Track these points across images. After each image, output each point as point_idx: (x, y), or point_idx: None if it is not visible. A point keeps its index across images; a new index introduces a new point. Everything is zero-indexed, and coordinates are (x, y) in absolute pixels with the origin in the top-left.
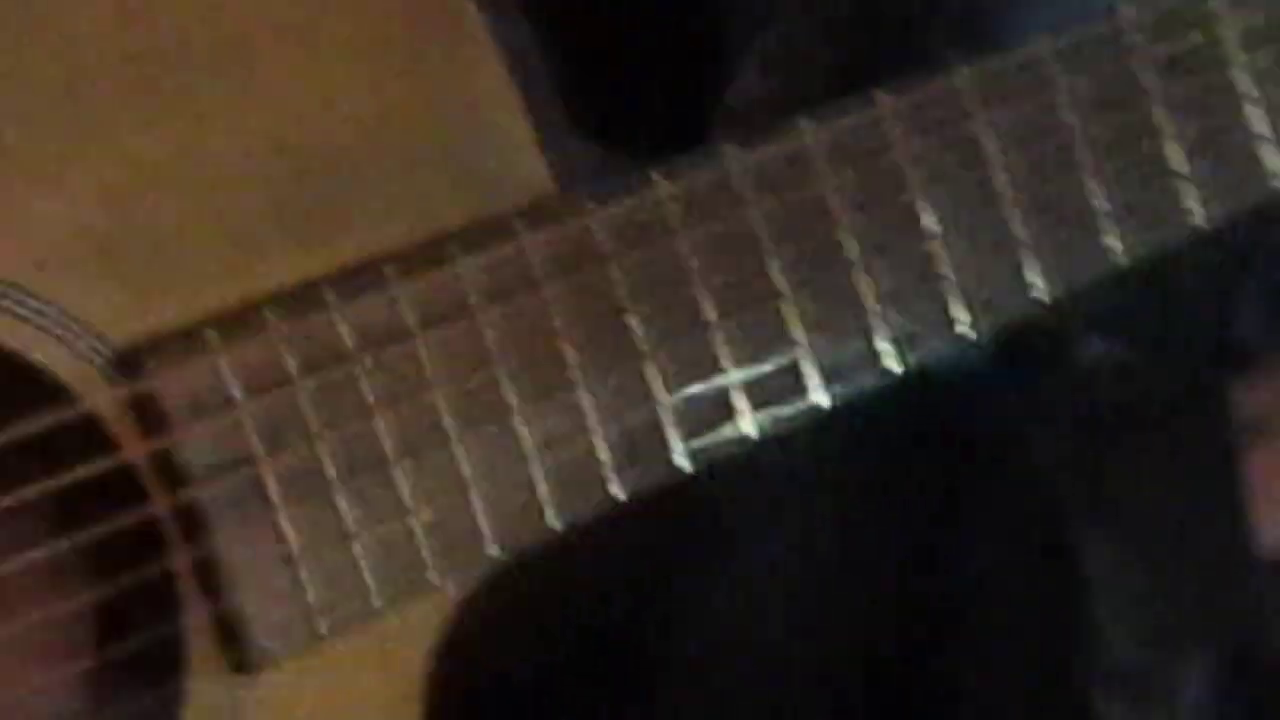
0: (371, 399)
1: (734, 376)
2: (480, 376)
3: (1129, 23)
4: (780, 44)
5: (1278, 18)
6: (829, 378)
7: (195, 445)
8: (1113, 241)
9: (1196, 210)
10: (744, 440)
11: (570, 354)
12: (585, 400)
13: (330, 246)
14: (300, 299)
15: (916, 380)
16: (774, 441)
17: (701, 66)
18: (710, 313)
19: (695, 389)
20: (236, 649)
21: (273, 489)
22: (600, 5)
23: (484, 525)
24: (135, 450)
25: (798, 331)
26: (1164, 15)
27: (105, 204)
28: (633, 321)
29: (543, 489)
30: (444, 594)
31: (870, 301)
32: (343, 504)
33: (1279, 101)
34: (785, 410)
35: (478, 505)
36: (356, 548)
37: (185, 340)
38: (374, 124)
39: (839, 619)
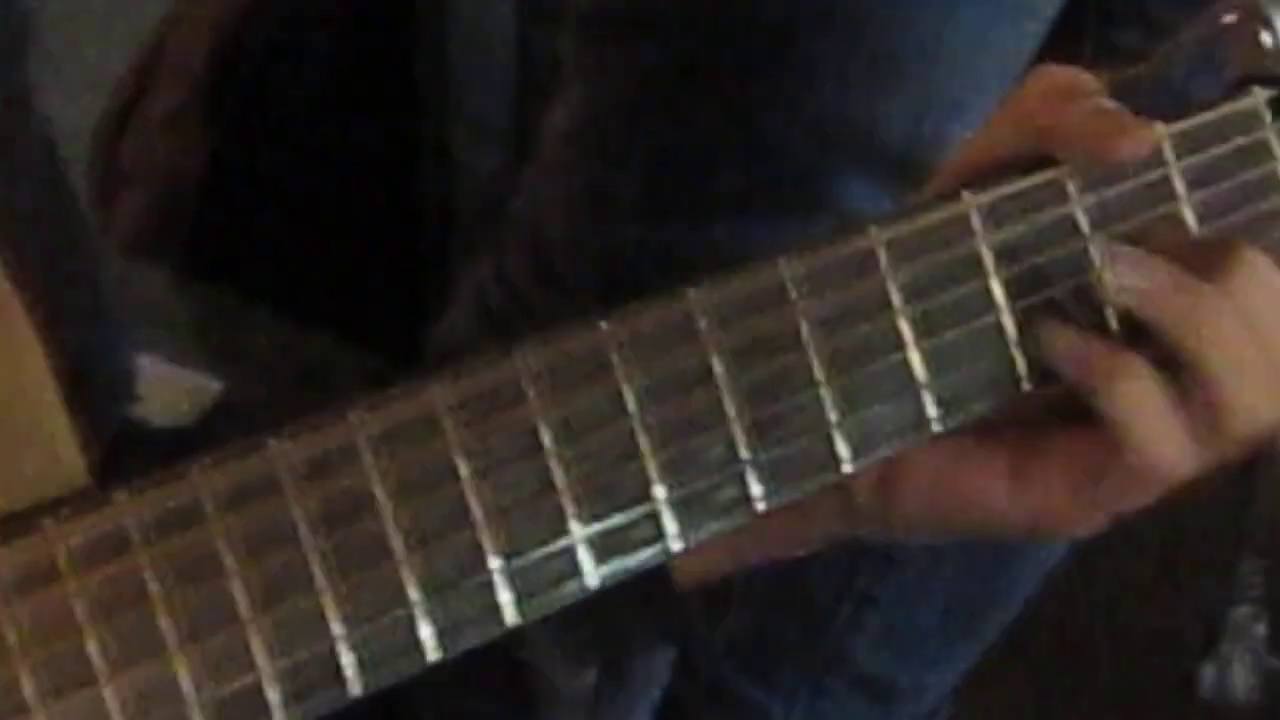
0: None
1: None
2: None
3: (699, 307)
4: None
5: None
6: (366, 666)
7: None
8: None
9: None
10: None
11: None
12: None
13: None
14: None
15: None
16: None
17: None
18: (246, 610)
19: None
20: None
21: None
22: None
23: None
24: None
25: (336, 624)
26: (737, 302)
27: None
28: (94, 647)
29: None
30: None
31: (414, 593)
32: None
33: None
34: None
35: None
36: None
37: None
38: None
39: None
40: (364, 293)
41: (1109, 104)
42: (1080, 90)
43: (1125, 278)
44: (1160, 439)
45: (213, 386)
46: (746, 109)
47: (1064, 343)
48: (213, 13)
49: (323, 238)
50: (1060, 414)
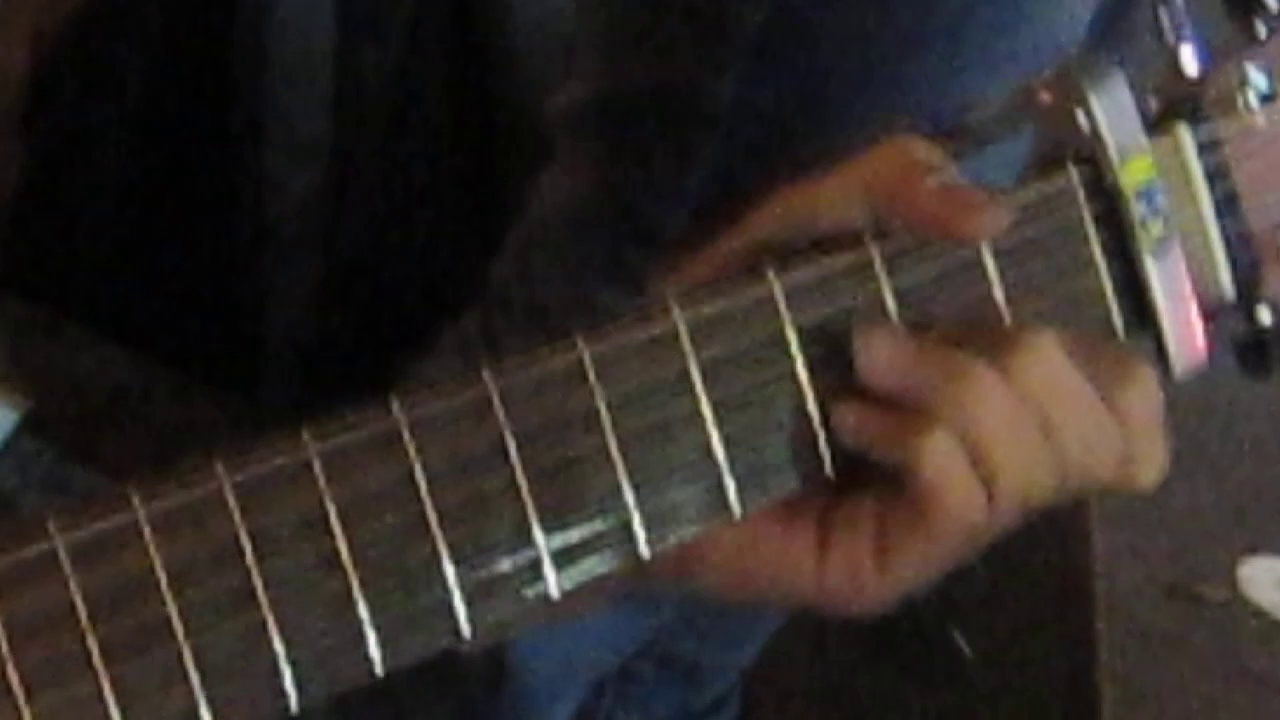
0: None
1: None
2: None
3: (496, 388)
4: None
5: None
6: None
7: None
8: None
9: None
10: None
11: None
12: None
13: None
14: None
15: None
16: None
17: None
18: None
19: None
20: None
21: None
22: None
23: None
24: None
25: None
26: (534, 383)
27: None
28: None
29: None
30: None
31: (195, 675)
32: None
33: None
34: None
35: None
36: None
37: None
38: None
39: None
40: (179, 310)
41: (958, 182)
42: (929, 165)
43: (875, 355)
44: (964, 504)
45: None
46: None
47: (861, 421)
48: (32, 20)
49: (137, 254)
50: (863, 481)
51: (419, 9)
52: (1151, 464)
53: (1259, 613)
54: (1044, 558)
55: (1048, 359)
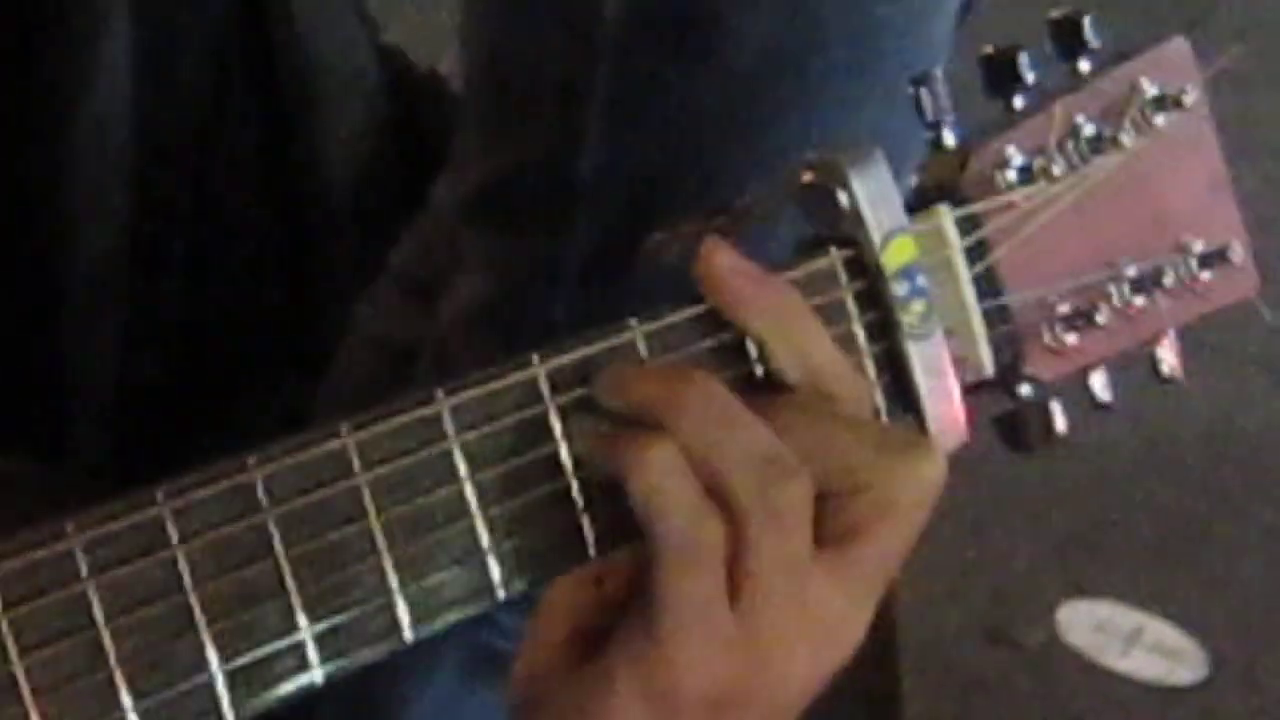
0: None
1: None
2: None
3: (260, 476)
4: None
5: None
6: None
7: None
8: None
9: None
10: None
11: None
12: None
13: None
14: None
15: None
16: None
17: None
18: None
19: None
20: None
21: None
22: None
23: None
24: None
25: None
26: (298, 471)
27: None
28: None
29: None
30: None
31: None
32: None
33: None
34: None
35: None
36: None
37: None
38: None
39: None
40: None
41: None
42: None
43: (611, 374)
44: (686, 520)
45: None
46: None
47: (591, 435)
48: None
49: None
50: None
51: (221, 72)
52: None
53: (1077, 655)
54: None
55: (716, 412)
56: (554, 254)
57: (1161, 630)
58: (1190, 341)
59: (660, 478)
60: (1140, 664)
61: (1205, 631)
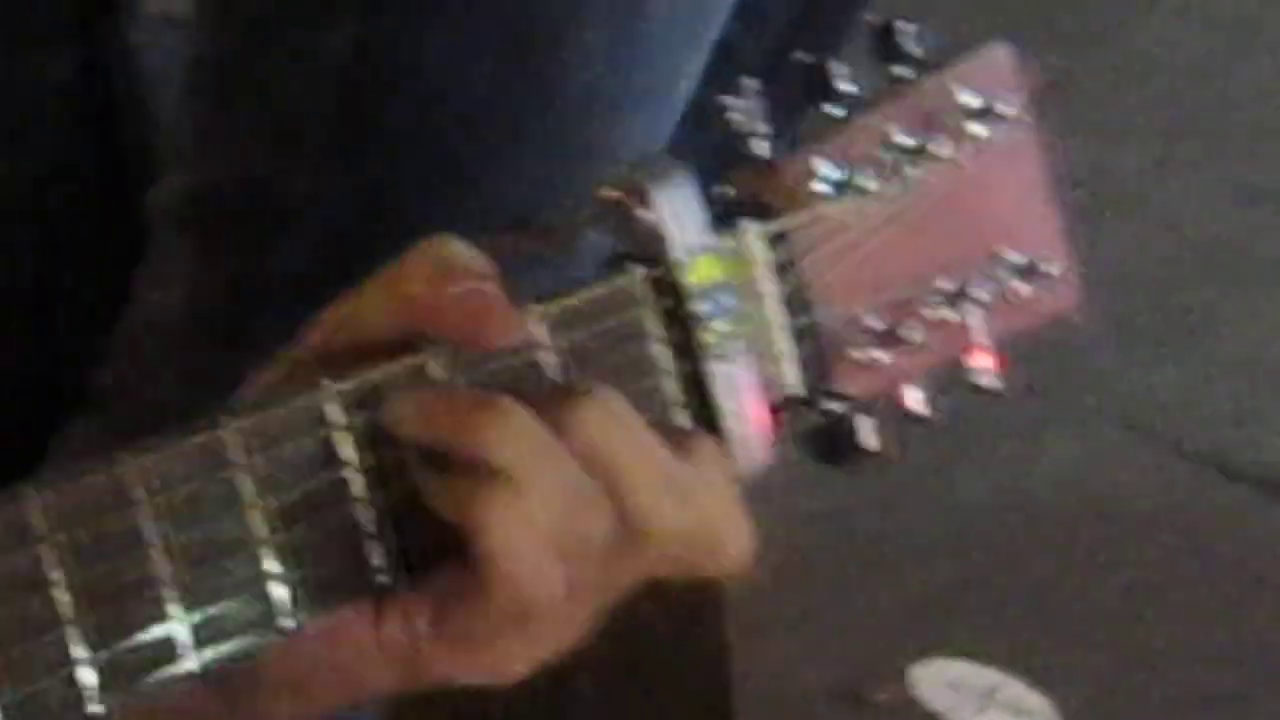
0: None
1: None
2: None
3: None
4: None
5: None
6: None
7: None
8: None
9: None
10: None
11: None
12: None
13: None
14: None
15: None
16: None
17: None
18: None
19: None
20: None
21: None
22: None
23: None
24: None
25: None
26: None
27: None
28: None
29: None
30: None
31: None
32: None
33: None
34: None
35: None
36: None
37: None
38: None
39: None
40: None
41: (487, 289)
42: (462, 270)
43: (402, 405)
44: (523, 570)
45: None
46: None
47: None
48: None
49: None
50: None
51: (58, 121)
52: (734, 540)
53: (932, 715)
54: (679, 681)
55: (605, 409)
56: (258, 272)
57: (1016, 689)
58: (1052, 401)
59: (508, 537)
60: None
61: (1059, 690)
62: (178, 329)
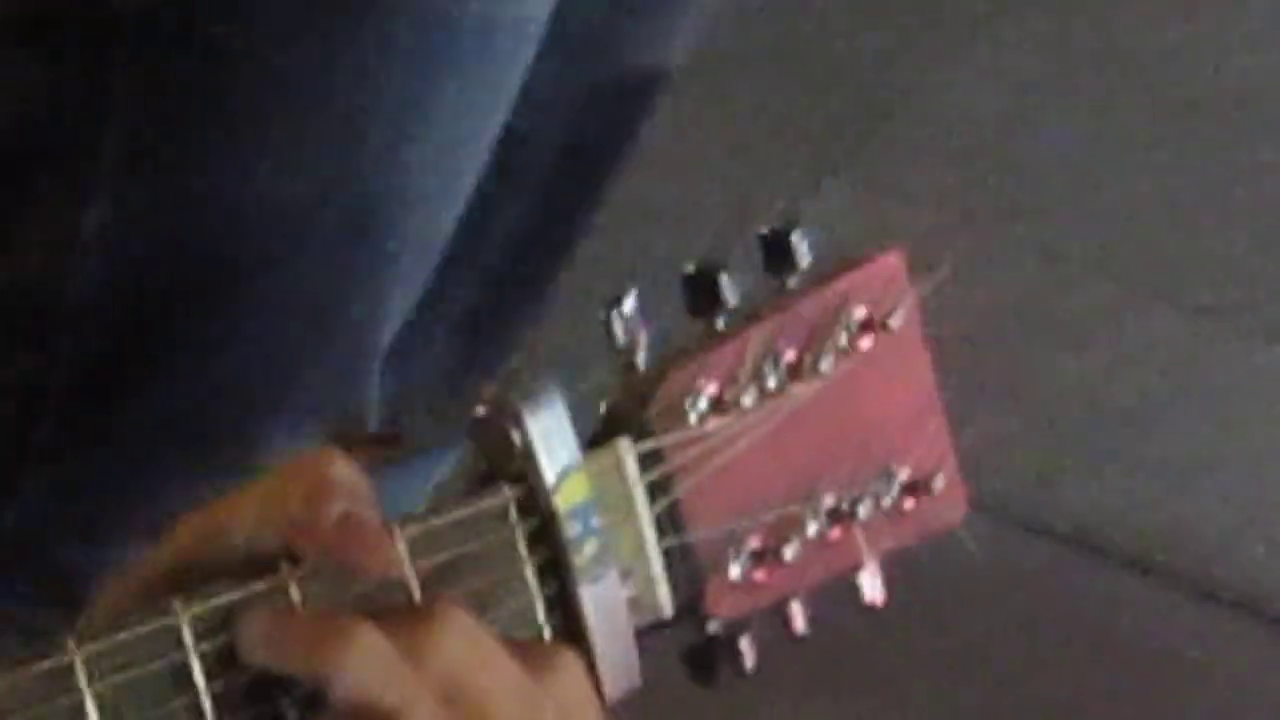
0: None
1: None
2: None
3: None
4: None
5: None
6: None
7: None
8: None
9: None
10: None
11: None
12: None
13: None
14: None
15: None
16: None
17: None
18: None
19: None
20: None
21: None
22: None
23: None
24: None
25: None
26: None
27: None
28: None
29: None
30: None
31: None
32: None
33: None
34: None
35: None
36: None
37: None
38: None
39: None
40: None
41: (365, 511)
42: (345, 491)
43: (251, 629)
44: None
45: None
46: None
47: None
48: None
49: None
50: None
51: None
52: None
53: None
54: None
55: (459, 628)
56: (31, 378)
57: None
58: None
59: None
60: None
61: None
62: None
